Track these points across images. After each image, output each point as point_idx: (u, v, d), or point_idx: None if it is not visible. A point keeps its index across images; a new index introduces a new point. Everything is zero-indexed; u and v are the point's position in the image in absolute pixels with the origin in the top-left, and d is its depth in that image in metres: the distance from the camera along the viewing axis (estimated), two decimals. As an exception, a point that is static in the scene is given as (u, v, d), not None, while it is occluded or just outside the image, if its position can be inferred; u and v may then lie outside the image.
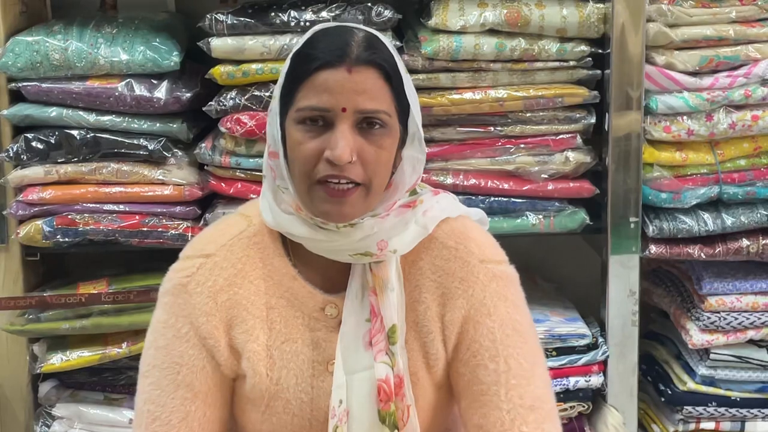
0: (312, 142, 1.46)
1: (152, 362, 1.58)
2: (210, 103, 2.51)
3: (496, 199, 2.56)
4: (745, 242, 2.58)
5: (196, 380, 1.55)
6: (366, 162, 1.46)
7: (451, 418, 1.71)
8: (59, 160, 2.52)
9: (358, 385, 1.53)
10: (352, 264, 1.56)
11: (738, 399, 2.66)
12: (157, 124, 2.52)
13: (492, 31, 2.49)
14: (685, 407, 2.66)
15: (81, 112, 2.52)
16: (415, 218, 1.56)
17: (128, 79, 2.50)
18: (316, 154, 1.46)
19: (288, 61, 1.52)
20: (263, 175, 1.60)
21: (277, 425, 1.57)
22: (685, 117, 2.52)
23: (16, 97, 2.56)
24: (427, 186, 1.67)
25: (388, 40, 1.53)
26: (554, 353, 2.56)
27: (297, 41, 1.58)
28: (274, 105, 1.54)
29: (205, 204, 2.61)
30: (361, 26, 1.53)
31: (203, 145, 2.55)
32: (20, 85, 2.52)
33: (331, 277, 1.58)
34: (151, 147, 2.51)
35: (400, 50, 2.51)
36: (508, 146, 2.55)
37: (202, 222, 2.54)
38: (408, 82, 1.52)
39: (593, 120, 2.56)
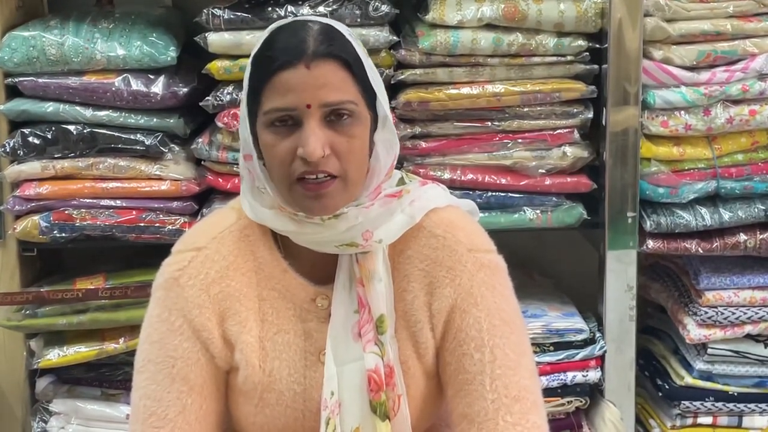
0: (284, 143, 1.47)
1: (147, 357, 1.58)
2: (207, 98, 2.50)
3: (494, 194, 2.56)
4: (742, 237, 2.58)
5: (191, 373, 1.55)
6: (339, 153, 1.47)
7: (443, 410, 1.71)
8: (56, 156, 2.52)
9: (349, 376, 1.54)
10: (339, 256, 1.56)
11: (735, 394, 2.66)
12: (154, 120, 2.52)
13: (489, 26, 2.48)
14: (682, 402, 2.66)
15: (78, 108, 2.51)
16: (401, 208, 1.56)
17: (125, 74, 2.49)
18: (289, 153, 1.47)
19: (249, 65, 1.52)
20: (241, 177, 1.61)
21: (271, 417, 1.58)
22: (682, 112, 2.52)
23: (13, 92, 2.56)
24: (415, 177, 1.67)
25: (345, 29, 1.52)
26: (551, 348, 2.56)
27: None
28: (243, 110, 1.55)
29: (202, 199, 2.61)
30: (318, 18, 1.51)
31: (200, 140, 2.55)
32: (17, 80, 2.52)
33: (322, 268, 1.58)
34: (148, 142, 2.51)
35: (397, 45, 2.51)
36: (505, 141, 2.55)
37: (199, 217, 2.54)
38: (371, 66, 1.52)
39: (591, 115, 2.56)
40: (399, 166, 2.51)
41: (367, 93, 1.50)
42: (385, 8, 2.48)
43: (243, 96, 1.55)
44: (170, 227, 2.53)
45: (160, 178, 2.54)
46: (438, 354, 1.59)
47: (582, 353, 2.57)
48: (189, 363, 1.56)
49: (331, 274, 1.58)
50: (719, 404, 2.66)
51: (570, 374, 2.57)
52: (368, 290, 1.54)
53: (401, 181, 1.63)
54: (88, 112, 2.51)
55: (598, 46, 2.52)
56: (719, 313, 2.59)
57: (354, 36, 1.52)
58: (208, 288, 1.57)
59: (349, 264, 1.56)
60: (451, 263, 1.56)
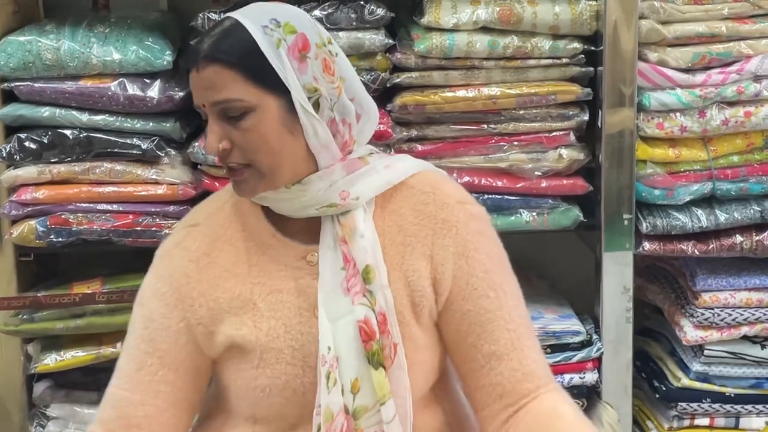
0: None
1: (133, 318, 1.69)
2: (203, 102, 2.50)
3: (490, 196, 2.57)
4: (738, 238, 2.59)
5: (159, 337, 1.64)
6: (238, 146, 1.57)
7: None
8: (52, 160, 2.52)
9: (343, 330, 1.60)
10: (322, 219, 1.64)
11: (732, 395, 2.66)
12: (150, 124, 2.52)
13: (485, 29, 2.49)
14: (679, 403, 2.66)
15: (74, 112, 2.51)
16: (375, 171, 1.65)
17: (121, 79, 2.49)
18: None
19: None
20: None
21: (272, 377, 1.62)
22: (677, 114, 2.53)
23: (9, 97, 2.56)
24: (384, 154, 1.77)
25: (254, 25, 1.56)
26: (548, 350, 2.56)
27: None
28: None
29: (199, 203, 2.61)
30: (235, 15, 1.58)
31: (196, 144, 2.55)
32: (13, 85, 2.52)
33: (309, 231, 1.65)
34: (144, 146, 2.51)
35: (392, 48, 2.51)
36: (501, 144, 2.55)
37: (195, 221, 2.53)
38: (281, 59, 1.56)
39: (586, 117, 2.56)
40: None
41: (270, 86, 1.56)
42: (380, 11, 2.48)
43: None
44: (167, 231, 2.52)
45: (156, 182, 2.54)
46: (450, 308, 1.64)
47: (579, 355, 2.57)
48: (160, 328, 1.64)
49: (316, 234, 1.65)
50: (716, 405, 2.66)
51: (567, 376, 2.57)
52: (351, 246, 1.61)
53: (370, 155, 1.71)
54: (84, 117, 2.51)
55: (593, 48, 2.53)
56: (716, 315, 2.60)
57: (262, 34, 1.55)
58: (198, 260, 1.66)
59: (332, 225, 1.63)
60: (445, 215, 1.65)
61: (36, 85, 2.51)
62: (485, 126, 2.54)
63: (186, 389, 1.67)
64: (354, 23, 2.47)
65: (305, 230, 1.65)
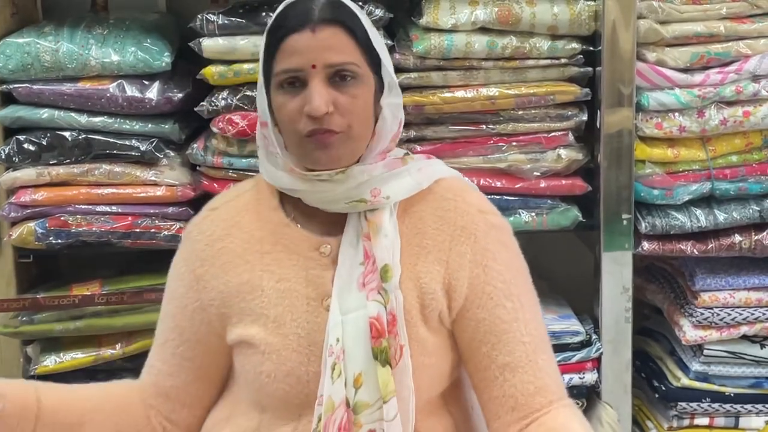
0: (293, 102, 1.59)
1: (165, 291, 1.78)
2: (202, 103, 2.51)
3: (489, 197, 2.53)
4: (737, 238, 2.59)
5: (179, 314, 1.72)
6: (342, 111, 1.58)
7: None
8: (51, 162, 2.52)
9: (353, 324, 1.61)
10: (348, 214, 1.65)
11: (732, 394, 2.66)
12: (149, 125, 2.52)
13: (483, 29, 2.49)
14: (679, 403, 2.66)
15: (73, 114, 2.51)
16: (408, 172, 1.67)
17: (120, 80, 2.50)
18: (298, 111, 1.59)
19: (264, 37, 1.64)
20: (257, 146, 1.73)
21: (277, 363, 1.64)
22: (676, 113, 2.53)
23: (8, 99, 2.56)
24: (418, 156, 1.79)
25: (351, 3, 1.63)
26: (548, 351, 2.56)
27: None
28: (259, 80, 1.67)
29: (198, 205, 2.59)
30: None
31: (195, 145, 2.55)
32: (11, 86, 2.52)
33: (326, 224, 1.67)
34: (143, 148, 2.51)
35: (391, 49, 2.51)
36: (500, 144, 2.55)
37: (194, 222, 2.54)
38: (376, 36, 1.63)
39: (585, 117, 2.56)
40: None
41: (371, 59, 1.61)
42: (379, 12, 2.48)
43: (259, 67, 1.66)
44: (166, 233, 2.53)
45: (155, 184, 2.54)
46: (465, 315, 1.65)
47: (578, 355, 2.57)
48: (179, 306, 1.71)
49: (335, 229, 1.66)
50: (716, 405, 2.66)
51: (567, 377, 2.57)
52: (374, 243, 1.62)
53: (406, 156, 1.73)
54: (83, 119, 2.51)
55: (592, 48, 2.53)
56: (715, 314, 2.60)
57: (359, 10, 1.63)
58: (213, 243, 1.70)
59: (358, 220, 1.65)
60: (464, 223, 1.67)
61: (34, 86, 2.51)
62: (484, 126, 2.54)
63: (207, 366, 1.73)
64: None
65: (321, 222, 1.67)
